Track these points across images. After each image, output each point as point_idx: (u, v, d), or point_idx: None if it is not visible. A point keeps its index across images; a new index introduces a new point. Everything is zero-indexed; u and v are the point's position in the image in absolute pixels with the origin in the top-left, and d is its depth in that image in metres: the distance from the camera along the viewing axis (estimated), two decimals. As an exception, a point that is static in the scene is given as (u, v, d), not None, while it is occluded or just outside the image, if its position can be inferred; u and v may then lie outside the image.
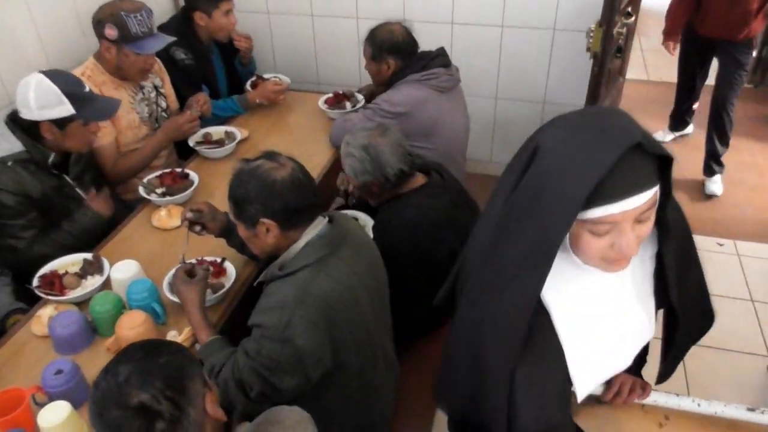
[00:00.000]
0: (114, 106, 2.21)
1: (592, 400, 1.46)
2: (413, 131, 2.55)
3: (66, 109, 2.01)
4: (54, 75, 2.02)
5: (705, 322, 1.39)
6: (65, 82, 2.03)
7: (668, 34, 3.64)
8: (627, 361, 1.23)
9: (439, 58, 2.65)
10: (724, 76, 3.55)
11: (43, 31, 2.61)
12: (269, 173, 1.55)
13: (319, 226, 1.62)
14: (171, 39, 2.48)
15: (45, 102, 1.98)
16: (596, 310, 1.14)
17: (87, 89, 2.11)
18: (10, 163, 1.99)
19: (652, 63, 5.45)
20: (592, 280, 1.11)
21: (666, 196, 1.03)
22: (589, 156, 0.93)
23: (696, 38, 3.56)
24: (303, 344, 1.48)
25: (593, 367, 1.17)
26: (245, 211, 1.57)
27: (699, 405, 1.41)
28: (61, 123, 2.03)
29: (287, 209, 1.55)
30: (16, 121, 2.04)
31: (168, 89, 2.74)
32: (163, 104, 2.69)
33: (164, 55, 2.70)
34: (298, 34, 3.57)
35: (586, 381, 1.16)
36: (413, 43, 2.62)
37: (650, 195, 0.97)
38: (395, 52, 2.60)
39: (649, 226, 1.02)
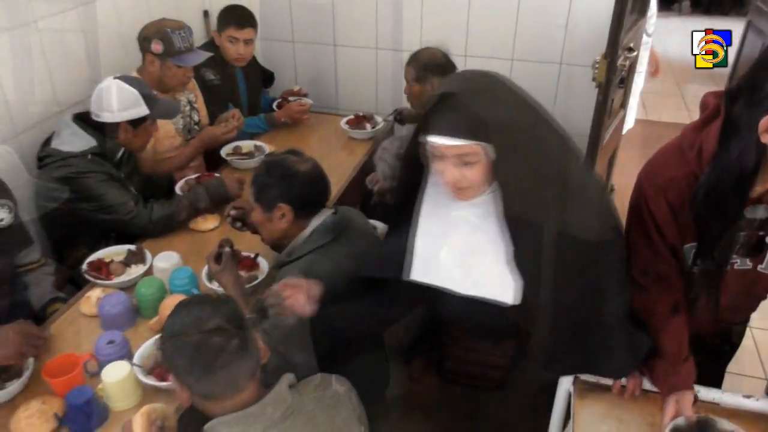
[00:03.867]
0: (176, 106, 2.42)
1: (601, 387, 1.60)
2: None
3: (143, 109, 2.20)
4: (127, 79, 2.21)
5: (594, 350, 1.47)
6: (138, 85, 2.22)
7: (672, 363, 1.52)
8: (465, 288, 1.38)
9: None
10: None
11: (92, 49, 2.77)
12: (293, 164, 1.77)
13: (323, 216, 1.80)
14: (209, 54, 2.69)
15: (126, 104, 2.17)
16: (452, 226, 1.39)
17: (153, 92, 2.30)
18: (89, 156, 2.15)
19: (650, 103, 5.68)
20: (457, 206, 1.37)
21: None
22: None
23: None
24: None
25: (429, 257, 1.41)
26: (266, 194, 1.76)
27: (699, 392, 1.52)
28: (135, 123, 2.21)
29: (303, 197, 1.75)
30: (85, 121, 2.20)
31: (200, 104, 2.91)
32: (196, 118, 2.87)
33: (195, 75, 2.88)
34: (320, 62, 3.76)
35: (418, 260, 1.41)
36: (453, 64, 2.76)
37: (462, 143, 1.23)
38: (438, 72, 2.71)
39: (474, 172, 1.27)
